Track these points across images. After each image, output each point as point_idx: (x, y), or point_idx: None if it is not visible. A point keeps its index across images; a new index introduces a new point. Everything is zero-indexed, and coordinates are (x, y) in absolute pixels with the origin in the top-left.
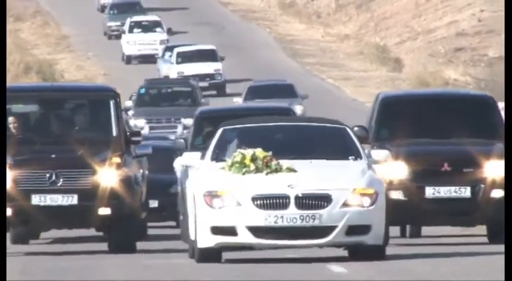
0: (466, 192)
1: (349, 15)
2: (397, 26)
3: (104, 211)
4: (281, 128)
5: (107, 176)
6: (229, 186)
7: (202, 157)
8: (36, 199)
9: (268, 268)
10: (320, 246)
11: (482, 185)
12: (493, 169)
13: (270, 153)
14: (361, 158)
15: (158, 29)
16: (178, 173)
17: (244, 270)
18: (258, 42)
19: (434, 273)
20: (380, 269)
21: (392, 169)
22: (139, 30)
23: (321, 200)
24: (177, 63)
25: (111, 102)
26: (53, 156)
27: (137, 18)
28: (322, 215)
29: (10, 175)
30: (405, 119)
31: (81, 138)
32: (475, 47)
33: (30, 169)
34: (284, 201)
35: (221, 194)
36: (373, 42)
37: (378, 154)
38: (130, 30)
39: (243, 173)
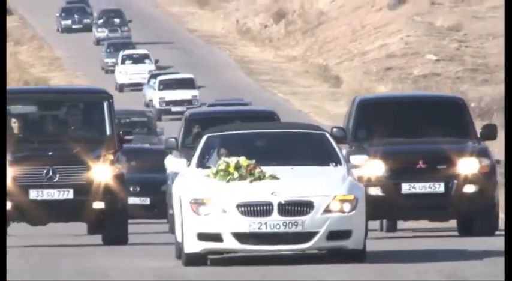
0: (440, 187)
1: (296, 40)
2: (337, 49)
3: (98, 204)
4: (263, 135)
5: (101, 172)
6: (214, 193)
7: (188, 163)
8: (33, 194)
9: (253, 269)
10: (302, 251)
11: (455, 181)
12: (465, 166)
13: (253, 161)
14: (340, 164)
15: (147, 61)
16: (169, 169)
17: (230, 272)
18: (220, 63)
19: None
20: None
21: (370, 166)
22: (131, 62)
23: (303, 207)
24: (160, 90)
25: (105, 104)
26: (50, 153)
27: (128, 51)
28: (305, 221)
29: (9, 171)
30: (381, 120)
31: (76, 137)
32: (403, 66)
33: (28, 166)
34: (267, 208)
35: (207, 201)
36: (317, 63)
37: (357, 159)
38: (123, 62)
39: (228, 181)
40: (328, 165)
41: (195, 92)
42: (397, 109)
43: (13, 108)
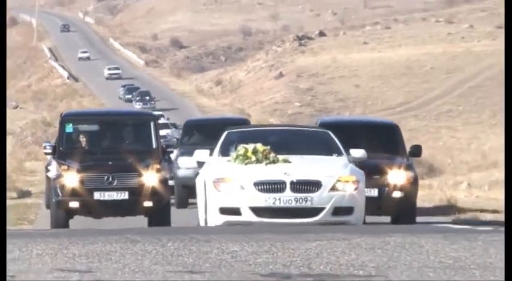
0: (374, 192)
1: (226, 95)
2: (248, 100)
3: (148, 203)
4: (275, 131)
5: (150, 178)
6: (234, 173)
7: (211, 154)
8: (97, 195)
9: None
10: (310, 224)
11: (386, 188)
12: (394, 177)
13: (268, 147)
14: (342, 154)
15: (162, 118)
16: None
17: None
18: (188, 108)
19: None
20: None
21: None
22: None
23: (312, 186)
24: None
25: (151, 123)
26: (110, 163)
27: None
28: (313, 198)
29: (78, 177)
30: (336, 136)
31: (130, 149)
32: (282, 109)
33: (93, 173)
34: (281, 186)
35: (228, 180)
36: (237, 107)
37: (356, 152)
38: None
39: (246, 164)
40: (332, 155)
41: (168, 131)
42: (348, 129)
43: (80, 127)
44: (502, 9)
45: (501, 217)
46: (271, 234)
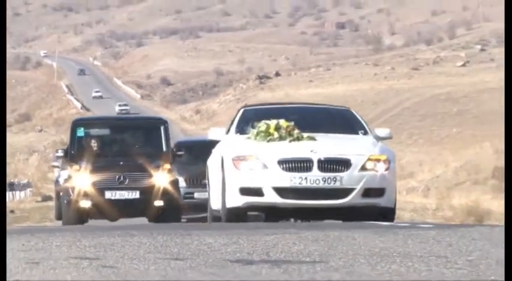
0: None
1: (204, 121)
2: (221, 125)
3: (158, 203)
4: (296, 109)
5: (160, 178)
6: (256, 151)
7: (227, 132)
8: (108, 194)
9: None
10: (339, 206)
11: None
12: None
13: (292, 123)
14: (368, 134)
15: None
16: None
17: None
18: (174, 132)
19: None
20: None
21: None
22: None
23: (341, 164)
24: None
25: (162, 127)
26: (121, 163)
27: None
28: (343, 178)
29: (90, 177)
30: None
31: (141, 152)
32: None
33: (105, 173)
34: (308, 164)
35: (249, 158)
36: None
37: (382, 131)
38: None
39: (268, 141)
40: (358, 134)
41: None
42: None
43: (92, 131)
44: (417, 55)
45: (416, 215)
46: (239, 229)
